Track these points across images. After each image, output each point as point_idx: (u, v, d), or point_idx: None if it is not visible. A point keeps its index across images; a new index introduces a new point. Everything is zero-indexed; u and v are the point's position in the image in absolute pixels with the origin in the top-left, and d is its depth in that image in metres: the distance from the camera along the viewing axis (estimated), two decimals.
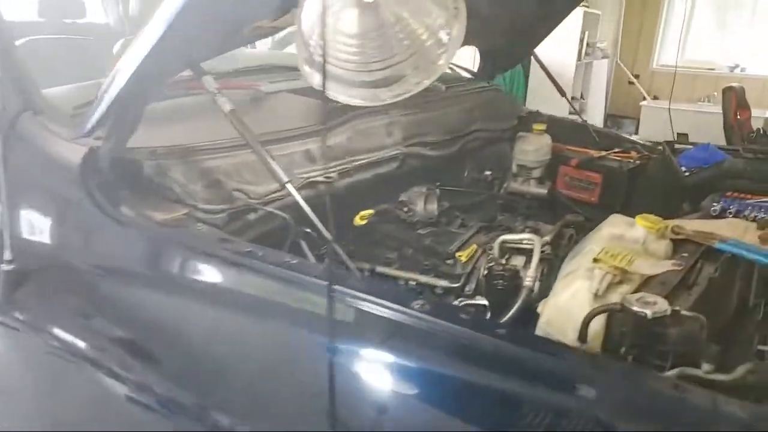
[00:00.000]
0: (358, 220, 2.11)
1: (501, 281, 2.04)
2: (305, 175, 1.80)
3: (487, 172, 2.98)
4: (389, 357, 1.23)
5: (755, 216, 2.05)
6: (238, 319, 1.29)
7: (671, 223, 1.87)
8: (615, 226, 1.91)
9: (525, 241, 2.16)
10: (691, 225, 1.90)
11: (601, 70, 8.74)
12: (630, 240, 1.84)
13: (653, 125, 8.78)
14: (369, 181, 2.09)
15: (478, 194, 2.97)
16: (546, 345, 1.26)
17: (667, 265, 1.69)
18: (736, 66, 8.98)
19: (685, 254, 1.79)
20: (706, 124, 8.10)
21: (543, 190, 3.03)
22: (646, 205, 2.97)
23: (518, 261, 2.24)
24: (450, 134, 2.59)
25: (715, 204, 2.15)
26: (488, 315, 2.15)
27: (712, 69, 9.05)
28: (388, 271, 2.40)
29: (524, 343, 1.22)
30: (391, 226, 2.59)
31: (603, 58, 8.43)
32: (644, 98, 9.15)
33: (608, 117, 9.65)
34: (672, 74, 9.16)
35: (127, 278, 1.45)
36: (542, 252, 2.21)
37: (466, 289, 2.24)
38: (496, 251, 2.18)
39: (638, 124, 9.18)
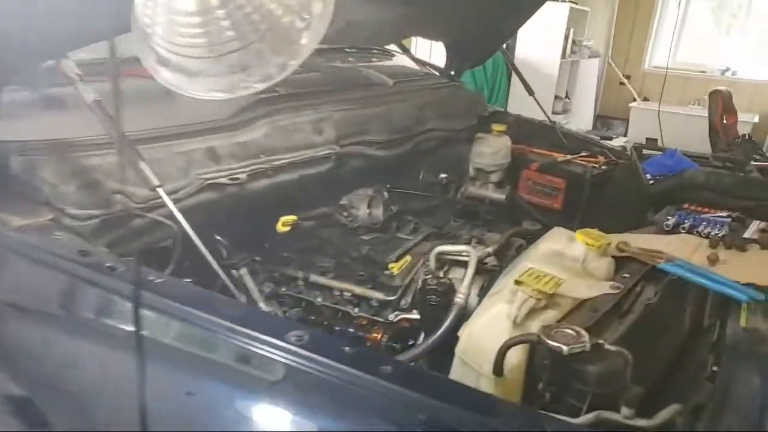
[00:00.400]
0: (281, 227, 1.93)
1: (434, 296, 1.86)
2: (206, 176, 1.62)
3: (443, 175, 2.80)
4: (251, 401, 1.05)
5: (709, 232, 1.87)
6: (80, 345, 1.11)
7: (615, 239, 1.70)
8: (555, 241, 1.73)
9: (463, 253, 1.98)
10: (639, 241, 1.73)
11: (589, 69, 8.55)
12: (569, 258, 1.67)
13: (643, 127, 8.59)
14: (294, 183, 1.91)
15: (432, 198, 2.79)
16: (436, 385, 1.08)
17: (603, 288, 1.52)
18: (728, 69, 8.81)
19: (627, 275, 1.61)
20: (695, 128, 7.97)
21: (501, 196, 2.86)
22: (610, 213, 2.82)
23: (458, 273, 2.06)
24: (398, 133, 2.41)
25: (669, 217, 1.98)
26: (420, 336, 1.98)
27: (704, 72, 8.87)
28: (322, 281, 2.22)
29: (410, 383, 1.04)
30: (331, 231, 2.42)
31: (591, 57, 8.23)
32: (634, 99, 8.97)
33: (598, 118, 9.47)
34: (663, 76, 9.02)
35: None
36: (485, 264, 2.04)
37: (402, 302, 2.07)
38: (432, 263, 2.01)
39: (627, 126, 9.01)
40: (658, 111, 8.76)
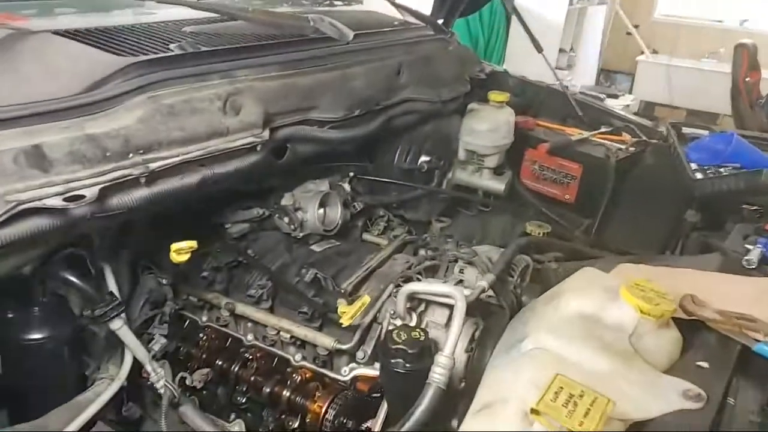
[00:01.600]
0: (175, 257, 1.29)
1: (401, 360, 1.25)
2: (24, 196, 0.98)
3: (424, 159, 2.15)
4: None
5: None
6: None
7: (681, 296, 1.08)
8: (586, 296, 1.11)
9: (443, 297, 1.35)
10: (707, 285, 1.11)
11: (596, 18, 7.73)
12: (611, 327, 1.05)
13: (650, 83, 7.88)
14: (189, 192, 1.27)
15: (410, 188, 2.15)
16: None
17: (673, 397, 0.90)
18: (746, 20, 8.02)
19: (705, 363, 1.00)
20: (708, 84, 7.27)
21: (499, 185, 2.22)
22: (638, 211, 2.21)
23: (438, 317, 1.45)
24: (361, 106, 1.75)
25: (749, 246, 1.34)
26: (381, 410, 1.38)
27: (721, 21, 8.09)
28: (253, 315, 1.61)
29: None
30: (265, 242, 1.78)
31: (600, 3, 7.41)
32: (642, 52, 8.20)
33: (600, 72, 8.71)
34: (675, 26, 8.23)
35: None
36: (480, 298, 1.42)
37: (359, 353, 1.46)
38: (399, 307, 1.38)
39: (633, 81, 8.28)
40: (668, 65, 8.11)
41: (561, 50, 6.59)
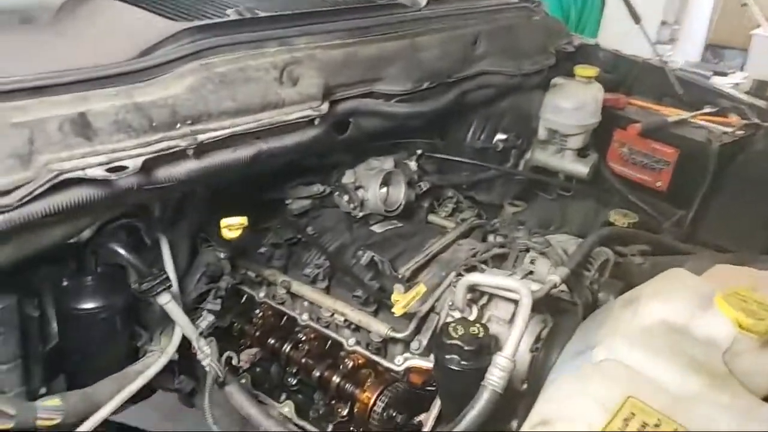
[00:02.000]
0: (226, 233, 1.24)
1: (456, 356, 1.14)
2: (66, 165, 0.95)
3: (500, 137, 2.00)
4: None
5: None
6: None
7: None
8: (673, 302, 0.96)
9: (507, 291, 1.23)
10: None
11: None
12: (701, 341, 0.90)
13: (766, 59, 7.17)
14: (248, 160, 1.21)
15: (483, 169, 2.01)
16: None
17: None
18: None
19: None
20: None
21: (583, 168, 2.03)
22: (744, 206, 1.96)
23: (501, 312, 1.33)
24: (432, 79, 1.63)
25: None
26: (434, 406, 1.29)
27: None
28: (308, 294, 1.55)
29: None
30: (324, 221, 1.71)
31: None
32: (758, 25, 7.45)
33: (708, 47, 8.01)
34: None
35: None
36: (551, 294, 1.29)
37: (414, 344, 1.37)
38: (458, 299, 1.27)
39: (746, 58, 7.55)
40: None
41: (663, 23, 6.08)
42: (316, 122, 1.33)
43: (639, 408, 0.73)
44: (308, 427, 1.43)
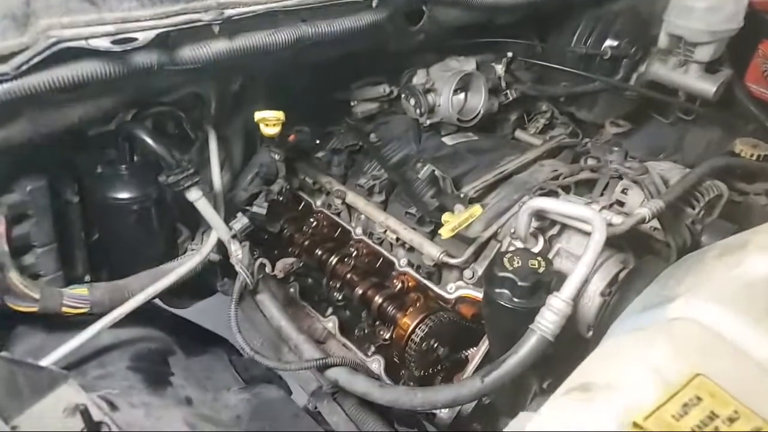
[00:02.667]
0: (263, 129, 1.12)
1: (506, 294, 0.97)
2: (68, 32, 0.84)
3: (610, 43, 1.69)
4: None
5: None
6: None
7: None
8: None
9: (579, 222, 1.02)
10: None
11: None
12: None
13: None
14: (290, 45, 1.05)
15: (586, 79, 1.72)
16: None
17: None
18: None
19: None
20: None
21: (710, 87, 1.68)
22: None
23: (573, 247, 1.12)
24: None
25: None
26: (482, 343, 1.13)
27: None
28: (361, 207, 1.41)
29: None
30: (398, 127, 1.54)
31: None
32: None
33: None
34: None
35: None
36: (641, 230, 1.06)
37: (467, 273, 1.21)
38: (521, 226, 1.07)
39: None
40: None
41: None
42: (374, 4, 1.14)
43: (709, 391, 0.54)
44: (348, 344, 1.34)
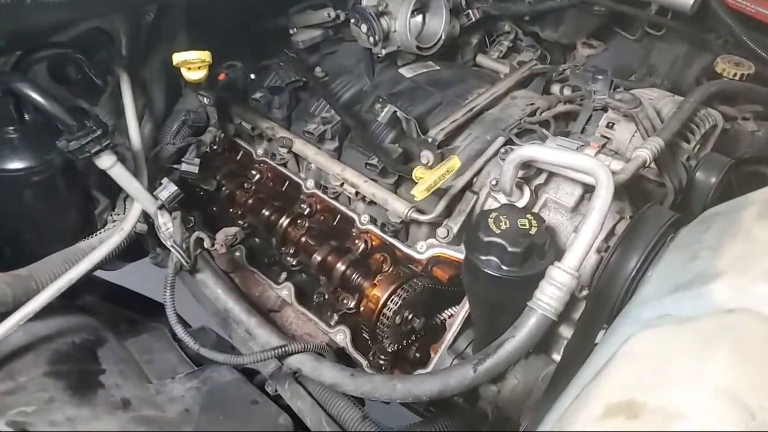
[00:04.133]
0: (185, 74, 0.89)
1: (494, 261, 0.82)
2: None
3: None
4: None
5: None
6: None
7: None
8: None
9: (576, 168, 0.87)
10: None
11: None
12: None
13: None
14: None
15: None
16: None
17: None
18: None
19: None
20: None
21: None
22: None
23: (563, 197, 0.97)
24: None
25: None
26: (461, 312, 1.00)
27: None
28: (312, 157, 1.22)
29: None
30: (347, 59, 1.33)
31: None
32: None
33: None
34: None
35: None
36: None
37: (440, 232, 1.05)
38: (506, 179, 0.91)
39: None
40: None
41: None
42: None
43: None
44: (307, 313, 1.18)
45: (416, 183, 0.98)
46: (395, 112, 1.09)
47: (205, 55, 0.92)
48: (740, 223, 0.66)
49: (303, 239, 1.18)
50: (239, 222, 1.27)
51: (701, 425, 0.44)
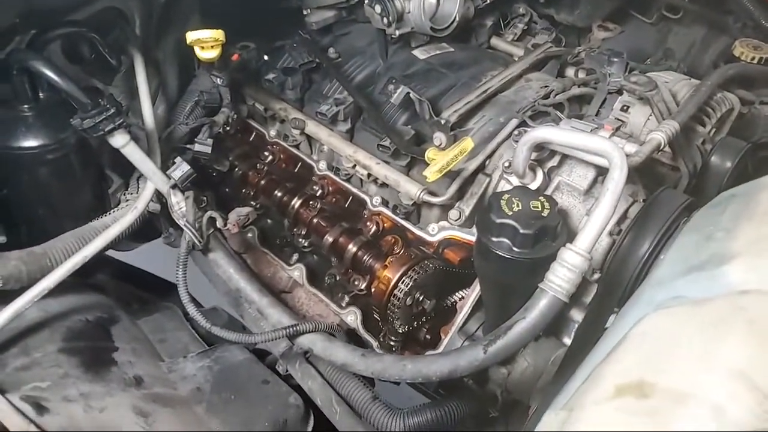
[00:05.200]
0: (199, 53, 0.89)
1: (505, 243, 0.82)
2: None
3: None
4: None
5: None
6: None
7: None
8: None
9: (590, 150, 0.86)
10: None
11: None
12: None
13: None
14: None
15: None
16: None
17: None
18: None
19: None
20: None
21: None
22: None
23: (576, 179, 0.96)
24: None
25: None
26: (472, 294, 0.99)
27: None
28: (324, 138, 1.22)
29: None
30: (360, 40, 1.32)
31: None
32: None
33: None
34: None
35: None
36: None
37: (452, 214, 1.05)
38: (519, 161, 0.91)
39: None
40: None
41: None
42: None
43: None
44: (319, 294, 1.19)
45: (428, 165, 0.98)
46: (408, 93, 1.09)
47: (219, 34, 0.92)
48: (756, 205, 0.65)
49: (315, 220, 1.18)
50: (252, 203, 1.28)
51: (712, 405, 0.44)
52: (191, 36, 0.92)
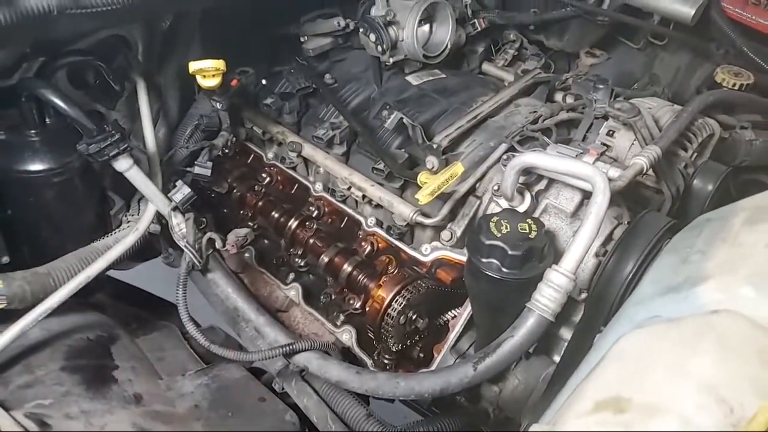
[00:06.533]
0: (201, 81, 0.93)
1: (495, 264, 0.86)
2: None
3: None
4: None
5: None
6: None
7: None
8: None
9: (574, 175, 0.89)
10: None
11: None
12: None
13: None
14: None
15: (555, 5, 1.57)
16: None
17: None
18: None
19: None
20: None
21: (688, 10, 1.55)
22: None
23: (563, 202, 1.00)
24: None
25: None
26: (463, 311, 1.03)
27: None
28: (321, 161, 1.25)
29: None
30: (356, 66, 1.37)
31: None
32: None
33: None
34: None
35: None
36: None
37: (444, 235, 1.08)
38: (507, 185, 0.95)
39: None
40: None
41: None
42: None
43: None
44: (314, 313, 1.22)
45: (421, 187, 1.02)
46: (402, 118, 1.13)
47: (220, 64, 0.96)
48: (729, 228, 0.69)
49: (311, 241, 1.21)
50: (249, 223, 1.31)
51: (683, 419, 0.47)
52: (194, 66, 0.96)
